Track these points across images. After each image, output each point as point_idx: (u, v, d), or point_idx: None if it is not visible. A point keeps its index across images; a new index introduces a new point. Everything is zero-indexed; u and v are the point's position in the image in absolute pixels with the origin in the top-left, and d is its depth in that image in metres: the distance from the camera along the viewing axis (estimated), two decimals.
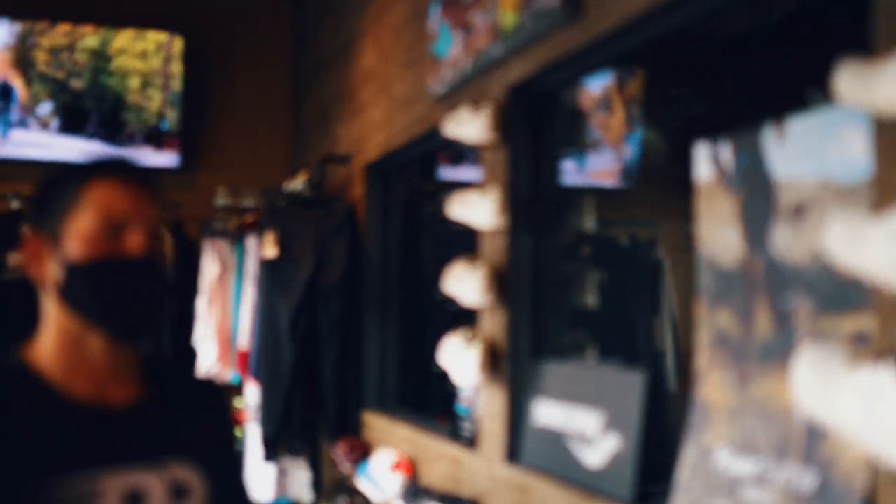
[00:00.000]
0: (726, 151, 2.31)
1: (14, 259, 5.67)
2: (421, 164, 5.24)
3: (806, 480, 1.99)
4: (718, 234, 2.35)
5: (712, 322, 2.37)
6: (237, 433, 5.88)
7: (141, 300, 1.72)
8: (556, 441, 3.02)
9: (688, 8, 2.48)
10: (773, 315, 2.15)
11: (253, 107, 6.95)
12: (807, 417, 1.91)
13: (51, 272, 1.70)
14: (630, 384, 2.73)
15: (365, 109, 5.12)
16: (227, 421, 2.01)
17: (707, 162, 2.38)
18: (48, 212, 1.72)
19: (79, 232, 1.68)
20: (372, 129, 4.96)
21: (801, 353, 1.79)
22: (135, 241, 1.71)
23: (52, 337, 1.72)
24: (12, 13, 6.19)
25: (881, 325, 1.77)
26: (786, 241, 2.08)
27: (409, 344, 4.98)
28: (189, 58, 6.61)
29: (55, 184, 1.75)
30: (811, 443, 1.98)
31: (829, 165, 1.96)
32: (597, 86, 5.05)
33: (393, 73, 4.66)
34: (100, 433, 1.70)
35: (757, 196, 2.20)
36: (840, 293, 1.92)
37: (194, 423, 1.87)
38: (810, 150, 2.02)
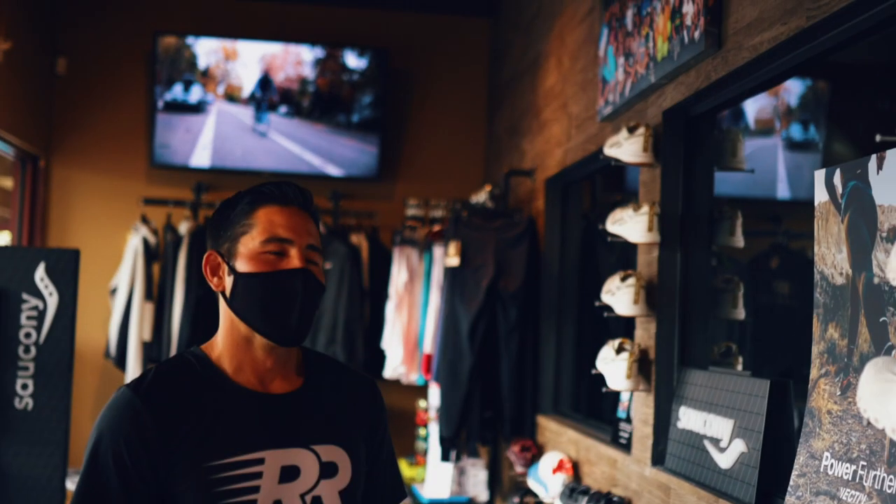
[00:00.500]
0: (838, 178, 2.47)
1: None
2: (604, 175, 5.45)
3: (891, 483, 2.14)
4: (829, 253, 2.51)
5: (824, 335, 2.53)
6: (421, 432, 6.24)
7: (297, 309, 2.03)
8: (694, 444, 3.21)
9: (817, 40, 2.64)
10: (870, 330, 2.30)
11: (450, 119, 7.32)
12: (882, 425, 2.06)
13: (225, 284, 2.03)
14: (757, 392, 2.90)
15: (547, 126, 5.38)
16: (381, 411, 2.27)
17: (822, 187, 2.54)
18: (224, 232, 2.05)
19: (248, 250, 2.00)
20: (553, 145, 5.22)
21: (869, 364, 1.96)
22: (295, 258, 2.01)
23: (224, 336, 2.05)
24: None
25: None
26: (881, 261, 2.23)
27: (584, 351, 5.19)
28: (390, 72, 7.03)
29: (230, 207, 2.07)
30: (894, 449, 2.14)
31: None
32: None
33: (570, 93, 4.91)
34: (263, 416, 2.03)
35: (860, 219, 2.35)
36: None
37: (347, 412, 2.17)
38: None
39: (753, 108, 5.87)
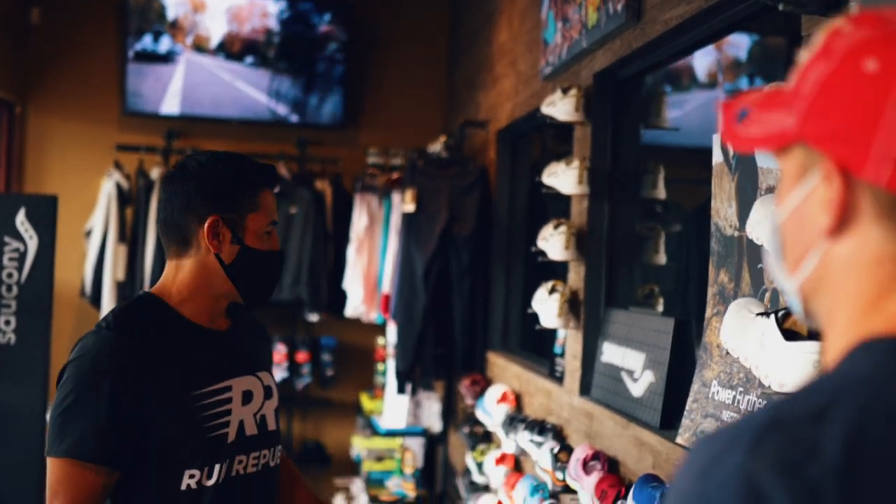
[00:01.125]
0: None
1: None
2: (554, 128, 5.78)
3: (760, 406, 2.52)
4: (723, 207, 2.87)
5: (717, 279, 2.90)
6: (380, 367, 6.62)
7: (275, 283, 2.46)
8: (614, 376, 3.59)
9: (715, 19, 2.99)
10: (751, 276, 2.68)
11: (411, 71, 7.63)
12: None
13: (224, 250, 2.31)
14: (664, 329, 3.28)
15: (499, 80, 5.71)
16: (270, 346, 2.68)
17: (718, 149, 2.90)
18: (227, 202, 2.31)
19: (256, 228, 2.33)
20: (503, 99, 5.55)
21: (732, 304, 2.33)
22: (275, 239, 2.41)
23: (194, 288, 2.32)
24: None
25: None
26: (752, 218, 2.60)
27: (531, 292, 5.55)
28: (354, 22, 7.32)
29: (238, 180, 2.34)
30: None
31: None
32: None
33: (519, 51, 5.24)
34: (221, 350, 2.40)
35: (746, 179, 2.72)
36: None
37: (261, 345, 2.61)
38: None
39: (703, 62, 6.23)
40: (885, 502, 0.85)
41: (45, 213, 4.74)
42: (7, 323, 4.67)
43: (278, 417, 2.48)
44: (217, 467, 2.27)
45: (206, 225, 2.28)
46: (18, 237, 4.69)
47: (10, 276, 4.66)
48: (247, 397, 2.36)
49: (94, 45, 7.27)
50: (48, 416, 2.25)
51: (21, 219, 4.67)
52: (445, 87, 7.59)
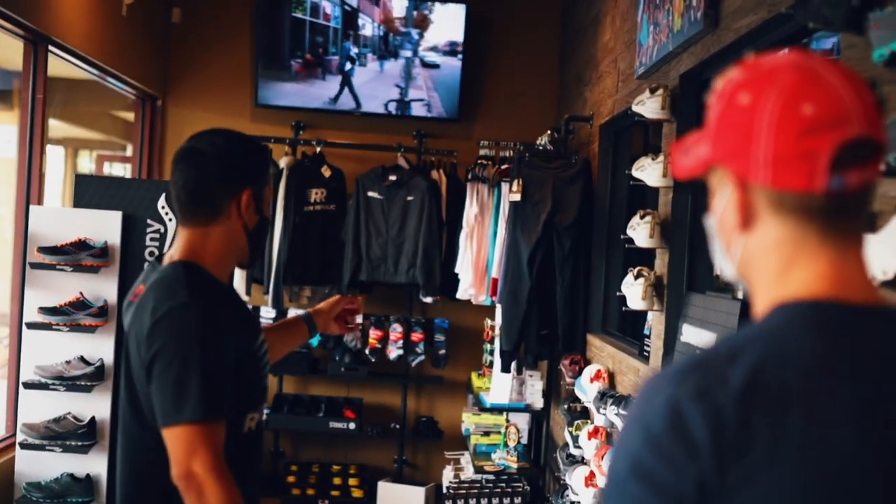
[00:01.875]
0: None
1: (315, 194, 7.01)
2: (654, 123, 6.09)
3: None
4: None
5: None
6: (488, 347, 6.99)
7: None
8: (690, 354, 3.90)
9: (781, 27, 3.28)
10: None
11: (525, 66, 8.00)
12: None
13: (251, 219, 2.61)
14: (732, 310, 3.59)
15: (602, 77, 6.03)
16: None
17: None
18: (257, 177, 2.64)
19: (266, 199, 2.69)
20: (606, 96, 5.87)
21: None
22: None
23: (223, 253, 2.61)
24: None
25: None
26: None
27: None
28: (471, 22, 7.71)
29: (262, 158, 2.73)
30: None
31: None
32: None
33: (619, 51, 5.56)
34: (247, 309, 2.81)
35: None
36: None
37: None
38: None
39: None
40: (768, 414, 1.20)
41: None
42: None
43: None
44: (261, 408, 2.68)
45: (243, 197, 2.56)
46: (159, 220, 5.21)
47: (151, 253, 5.18)
48: (265, 347, 2.76)
49: (230, 42, 7.82)
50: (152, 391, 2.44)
51: (161, 203, 5.19)
52: (556, 83, 7.92)
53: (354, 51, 7.69)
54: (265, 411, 2.79)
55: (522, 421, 6.78)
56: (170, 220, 5.15)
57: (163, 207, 5.11)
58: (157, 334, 2.41)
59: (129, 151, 11.60)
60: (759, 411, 1.20)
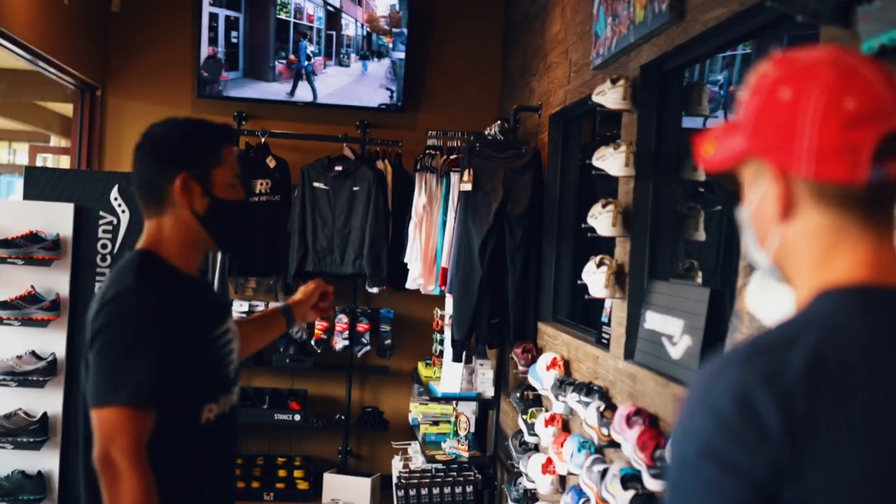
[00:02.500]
0: None
1: (260, 185, 6.98)
2: (602, 112, 6.15)
3: None
4: None
5: (747, 252, 3.27)
6: (437, 337, 7.02)
7: (247, 230, 2.79)
8: (655, 341, 3.97)
9: (751, 20, 3.34)
10: None
11: (468, 57, 8.03)
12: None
13: (195, 203, 2.57)
14: (701, 298, 3.65)
15: (552, 68, 6.08)
16: None
17: None
18: (194, 158, 2.58)
19: (223, 182, 2.61)
20: (556, 86, 5.92)
21: (754, 275, 2.71)
22: (241, 190, 2.69)
23: (179, 240, 2.59)
24: None
25: None
26: None
27: (580, 266, 5.92)
28: (413, 13, 7.71)
29: (202, 139, 2.62)
30: None
31: None
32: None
33: (571, 42, 5.61)
34: (213, 298, 2.81)
35: None
36: None
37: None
38: None
39: None
40: (832, 398, 1.24)
41: None
42: None
43: None
44: (224, 399, 2.61)
45: (176, 182, 2.54)
46: (112, 211, 5.14)
47: (104, 246, 5.13)
48: (235, 336, 2.75)
49: (171, 31, 7.73)
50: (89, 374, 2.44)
51: (114, 195, 5.13)
52: (499, 74, 7.96)
53: (311, 49, 7.65)
54: (231, 405, 2.71)
55: (468, 410, 6.82)
56: (122, 211, 5.09)
57: (115, 199, 5.05)
58: (99, 318, 2.42)
59: (53, 142, 11.48)
60: (825, 395, 1.24)
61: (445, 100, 7.96)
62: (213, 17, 7.53)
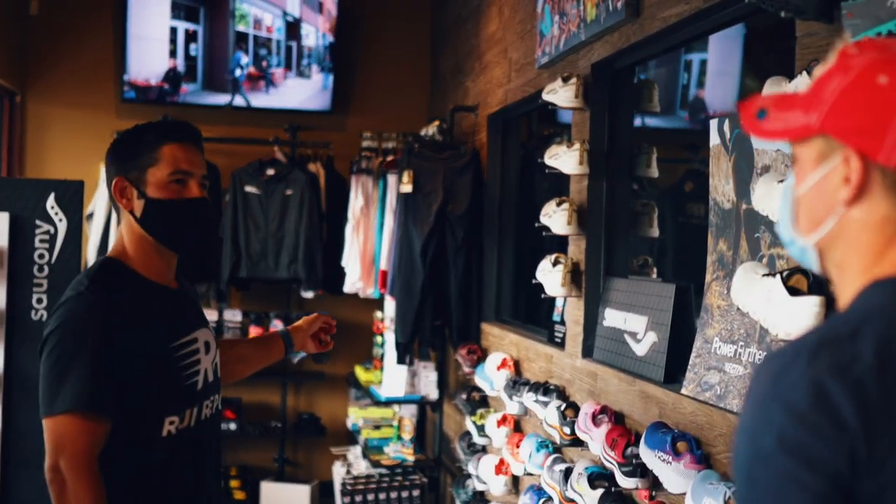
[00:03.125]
0: (727, 126, 3.21)
1: None
2: (538, 111, 6.16)
3: (760, 357, 2.91)
4: (720, 185, 3.25)
5: (716, 248, 3.28)
6: (378, 340, 6.97)
7: (199, 228, 2.61)
8: (616, 338, 3.96)
9: (714, 16, 3.35)
10: (749, 244, 3.06)
11: (397, 58, 7.98)
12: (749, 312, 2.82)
13: (134, 206, 2.53)
14: (666, 294, 3.65)
15: (489, 68, 6.06)
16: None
17: (716, 133, 3.28)
18: (130, 161, 2.53)
19: (157, 180, 2.53)
20: (494, 86, 5.90)
21: (740, 267, 2.72)
22: (194, 188, 2.58)
23: (134, 247, 2.57)
24: None
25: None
26: (757, 193, 2.97)
27: (522, 265, 5.94)
28: (341, 15, 7.64)
29: (136, 139, 2.59)
30: (763, 332, 2.90)
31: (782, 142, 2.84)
32: None
33: (510, 41, 5.59)
34: (181, 306, 2.69)
35: (742, 159, 3.10)
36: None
37: (199, 304, 2.86)
38: None
39: None
40: None
41: (72, 198, 5.03)
42: (39, 301, 4.97)
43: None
44: (188, 412, 2.55)
45: (114, 186, 2.54)
46: (49, 220, 4.98)
47: (41, 256, 4.96)
48: (206, 347, 2.67)
49: (92, 35, 7.53)
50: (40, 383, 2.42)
51: (51, 203, 4.96)
52: (429, 74, 7.93)
53: (245, 60, 7.53)
54: (202, 419, 2.62)
55: (408, 413, 6.78)
56: (60, 220, 4.94)
57: (52, 207, 4.90)
58: (48, 324, 2.41)
59: None
60: (895, 384, 1.23)
61: (375, 102, 7.90)
62: (173, 31, 7.39)
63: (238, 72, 7.52)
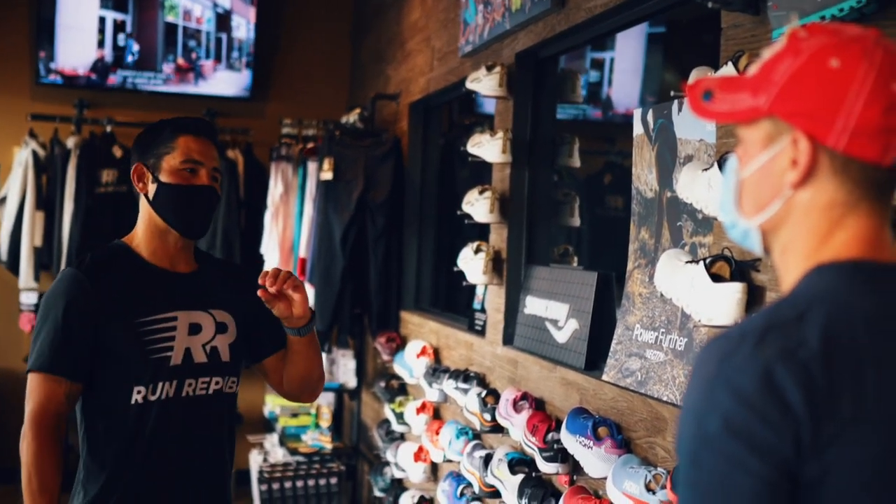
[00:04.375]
0: (650, 116, 3.25)
1: (107, 175, 6.76)
2: (459, 100, 6.17)
3: (680, 343, 2.96)
4: (643, 174, 3.29)
5: (638, 236, 3.33)
6: None
7: (201, 213, 2.81)
8: (537, 326, 4.00)
9: (639, 7, 3.39)
10: (671, 232, 3.11)
11: (318, 46, 7.92)
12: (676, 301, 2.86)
13: (148, 189, 2.80)
14: (587, 282, 3.69)
15: (411, 56, 6.06)
16: (255, 288, 2.76)
17: (639, 122, 3.32)
18: (150, 150, 2.80)
19: (170, 167, 2.77)
20: (416, 74, 5.91)
21: (663, 254, 2.76)
22: (204, 177, 2.79)
23: (143, 229, 2.83)
24: None
25: (714, 240, 2.74)
26: (681, 182, 3.02)
27: (442, 253, 5.95)
28: (261, 2, 7.58)
29: (157, 132, 2.81)
30: (684, 318, 2.95)
31: (705, 132, 2.90)
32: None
33: (433, 30, 5.60)
34: (174, 288, 2.82)
35: (665, 148, 3.14)
36: (704, 220, 2.88)
37: (230, 288, 2.92)
38: (694, 119, 2.96)
39: None
40: (847, 375, 1.26)
41: None
42: None
43: (235, 351, 2.83)
44: (161, 385, 2.70)
45: (133, 172, 2.80)
46: None
47: None
48: (194, 329, 2.78)
49: (5, 15, 7.36)
50: None
51: None
52: (350, 62, 7.90)
53: (136, 48, 7.39)
54: (181, 394, 2.73)
55: (326, 401, 6.76)
56: None
57: None
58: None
59: None
60: (840, 370, 1.26)
61: (295, 89, 7.83)
62: (102, 20, 7.23)
63: (129, 58, 7.40)
